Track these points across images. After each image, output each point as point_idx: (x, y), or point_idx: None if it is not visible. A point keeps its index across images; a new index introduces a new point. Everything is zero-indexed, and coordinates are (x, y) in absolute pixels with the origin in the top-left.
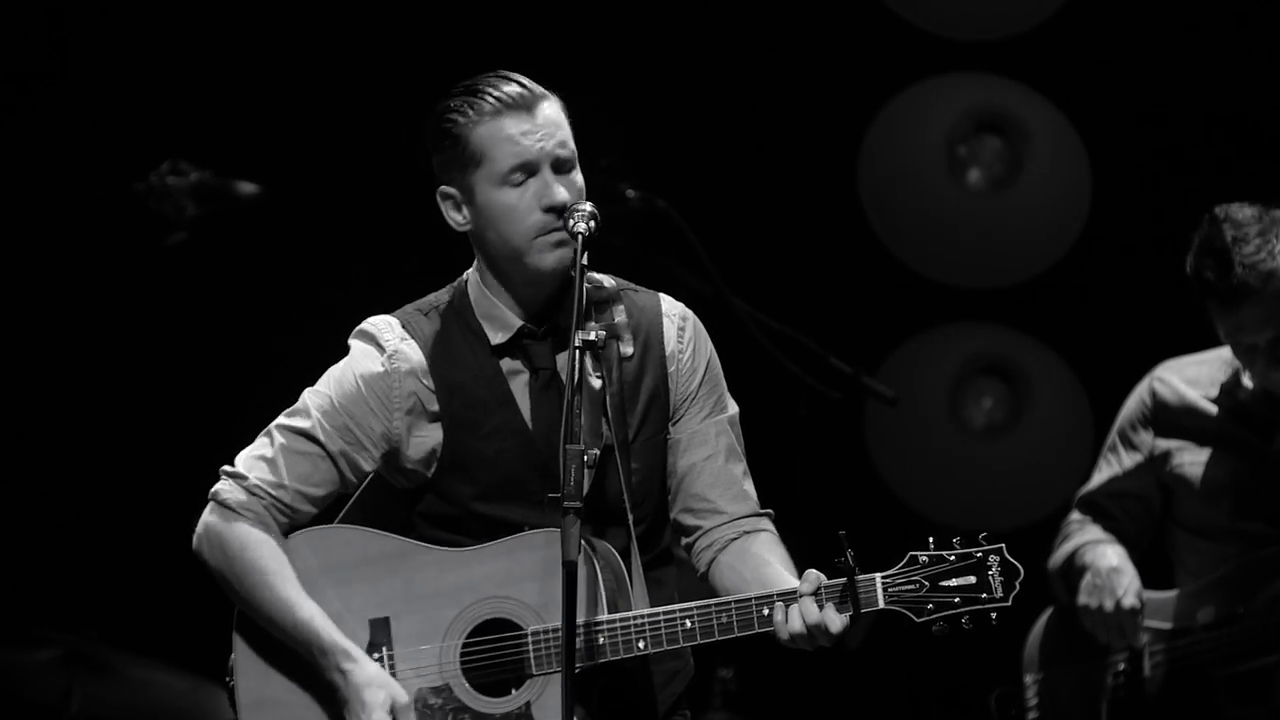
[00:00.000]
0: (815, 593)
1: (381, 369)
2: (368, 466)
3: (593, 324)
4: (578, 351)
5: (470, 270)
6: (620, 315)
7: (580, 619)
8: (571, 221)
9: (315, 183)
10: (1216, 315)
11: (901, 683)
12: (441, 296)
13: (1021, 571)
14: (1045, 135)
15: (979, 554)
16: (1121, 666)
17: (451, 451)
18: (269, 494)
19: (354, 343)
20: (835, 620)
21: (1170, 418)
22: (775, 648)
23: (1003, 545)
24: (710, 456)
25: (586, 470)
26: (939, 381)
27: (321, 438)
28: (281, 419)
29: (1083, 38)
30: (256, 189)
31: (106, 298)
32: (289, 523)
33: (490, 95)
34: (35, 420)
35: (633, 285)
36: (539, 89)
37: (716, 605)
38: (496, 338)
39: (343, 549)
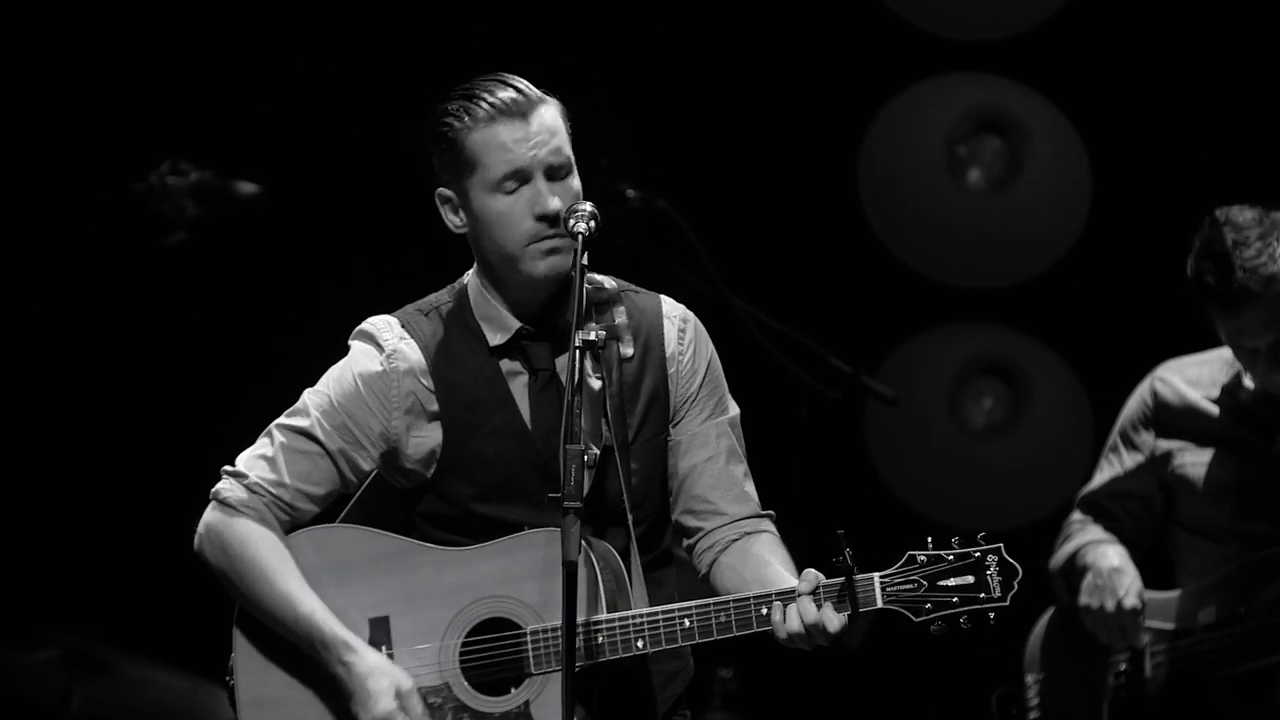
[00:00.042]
0: (813, 592)
1: (380, 368)
2: (367, 466)
3: (593, 324)
4: (578, 352)
5: (470, 271)
6: (621, 316)
7: (580, 618)
8: (571, 222)
9: (315, 183)
10: (1217, 319)
11: (901, 683)
12: (442, 297)
13: (1020, 571)
14: (1045, 135)
15: (977, 554)
16: (1123, 667)
17: (451, 452)
18: (269, 492)
19: (353, 343)
20: (833, 619)
21: (1172, 418)
22: (775, 648)
23: (1001, 545)
24: (711, 458)
25: (586, 470)
26: (939, 381)
27: (321, 436)
28: (281, 419)
29: (1083, 38)
30: (256, 189)
31: (107, 298)
32: (290, 521)
33: (485, 101)
34: (35, 420)
35: (633, 286)
36: (535, 94)
37: (715, 605)
38: (495, 339)
39: (343, 548)
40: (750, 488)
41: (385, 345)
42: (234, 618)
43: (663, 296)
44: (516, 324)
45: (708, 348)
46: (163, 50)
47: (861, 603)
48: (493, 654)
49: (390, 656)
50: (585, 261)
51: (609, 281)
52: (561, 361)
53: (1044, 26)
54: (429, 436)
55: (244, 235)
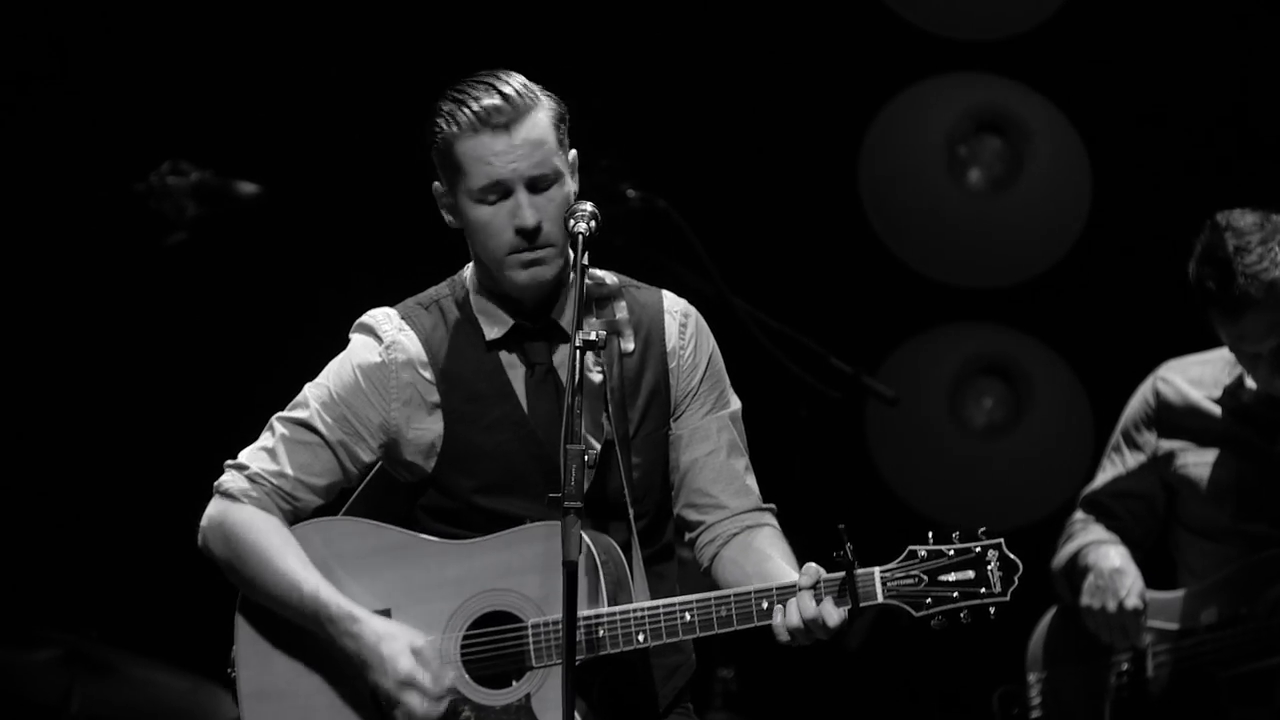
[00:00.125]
0: (814, 586)
1: (379, 359)
2: (367, 457)
3: (593, 319)
4: (578, 352)
5: (469, 264)
6: (621, 311)
7: (581, 612)
8: (571, 223)
9: (315, 183)
10: (1219, 324)
11: (901, 683)
12: (441, 290)
13: (1020, 567)
14: (1045, 135)
15: (978, 549)
16: (1125, 667)
17: (452, 444)
18: (270, 482)
19: (353, 335)
20: (833, 614)
21: (1174, 418)
22: (775, 648)
23: (1001, 540)
24: (712, 452)
25: (587, 470)
26: (939, 381)
27: (320, 428)
28: (282, 411)
29: (1083, 38)
30: (256, 189)
31: (107, 298)
32: (292, 511)
33: (471, 108)
34: (35, 420)
35: (634, 282)
36: (525, 101)
37: (716, 599)
38: (492, 333)
39: (345, 541)
40: (751, 481)
41: (384, 337)
42: (237, 606)
43: (664, 291)
44: (513, 319)
45: (709, 342)
46: (163, 50)
47: (862, 597)
48: (494, 647)
49: None
50: (585, 261)
51: (610, 277)
52: (559, 355)
53: (1044, 26)
54: (429, 428)
55: (244, 235)
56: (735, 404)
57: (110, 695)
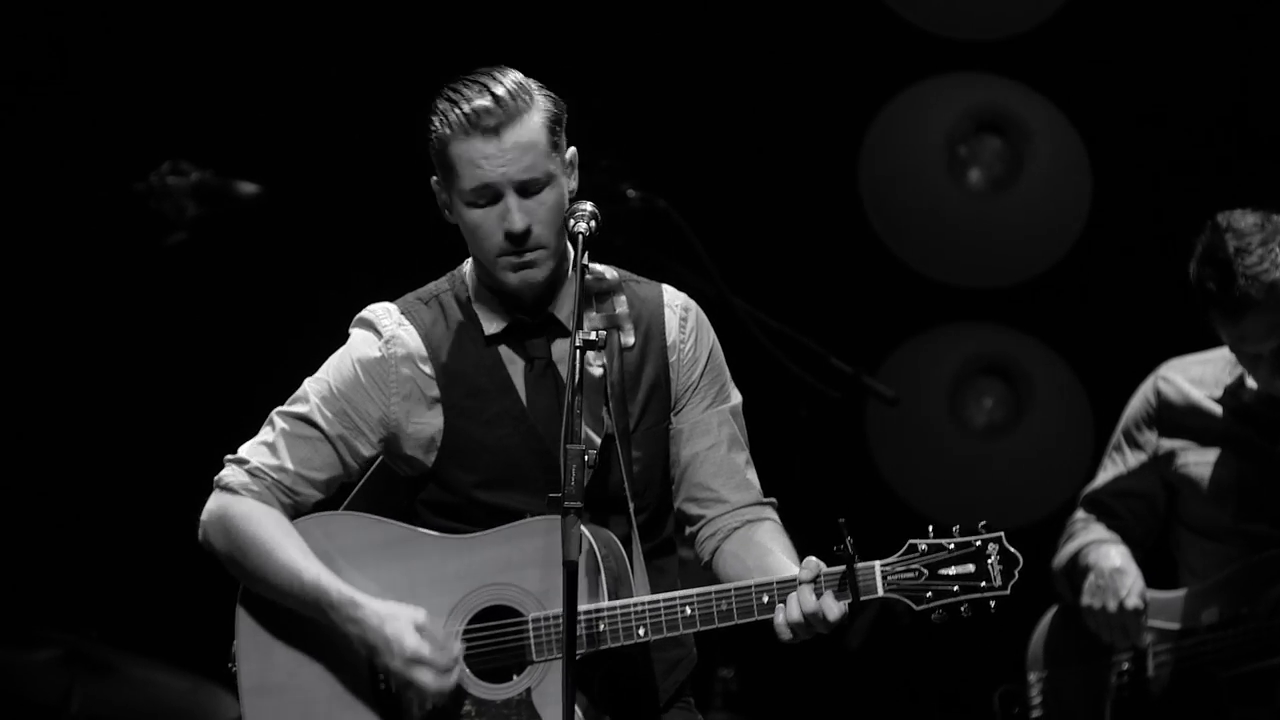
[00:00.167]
0: (814, 580)
1: (378, 354)
2: (367, 452)
3: (593, 314)
4: (578, 352)
5: (469, 259)
6: (621, 306)
7: (581, 606)
8: (571, 222)
9: (315, 183)
10: (1219, 325)
11: (901, 683)
12: (441, 285)
13: (1020, 560)
14: (1045, 135)
15: (978, 543)
16: (1125, 666)
17: (451, 439)
18: (270, 476)
19: (353, 330)
20: (833, 608)
21: (1175, 417)
22: (775, 648)
23: (1002, 534)
24: (713, 446)
25: (587, 470)
26: (939, 381)
27: (320, 422)
28: (282, 406)
29: (1083, 38)
30: (256, 189)
31: (107, 298)
32: (292, 505)
33: (462, 109)
34: (35, 420)
35: (635, 276)
36: (517, 103)
37: (717, 593)
38: (491, 328)
39: (345, 535)
40: (752, 475)
41: (384, 331)
42: (238, 599)
43: (664, 285)
44: (511, 314)
45: (709, 336)
46: (163, 50)
47: (862, 591)
48: (495, 641)
49: None
50: (586, 261)
51: (610, 271)
52: (558, 350)
53: (1044, 26)
54: (429, 423)
55: (244, 235)
56: (736, 398)
57: (110, 695)
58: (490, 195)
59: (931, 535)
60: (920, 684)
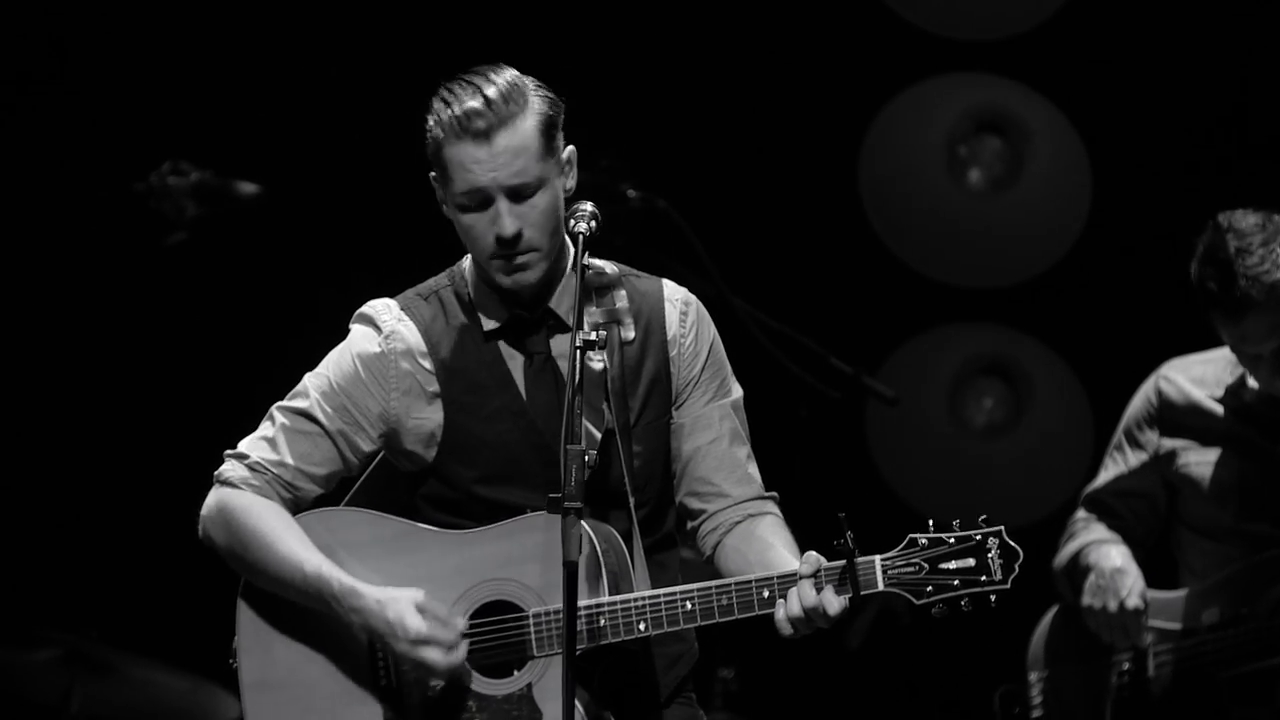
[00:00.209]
0: (814, 575)
1: (378, 349)
2: (367, 447)
3: (593, 308)
4: (578, 353)
5: (468, 255)
6: (621, 300)
7: (582, 601)
8: (571, 223)
9: (315, 183)
10: (1220, 325)
11: (901, 683)
12: (440, 280)
13: (1021, 554)
14: (1045, 135)
15: (978, 537)
16: (1126, 666)
17: (451, 434)
18: (270, 470)
19: (353, 325)
20: (834, 602)
21: (1176, 417)
22: (776, 648)
23: (1002, 528)
24: (714, 440)
25: (587, 470)
26: (939, 381)
27: (320, 417)
28: (282, 401)
29: (1083, 38)
30: (256, 189)
31: (107, 298)
32: (292, 500)
33: (455, 111)
34: (35, 420)
35: (635, 271)
36: (509, 107)
37: (717, 587)
38: (490, 323)
39: (346, 530)
40: (753, 469)
41: (383, 327)
42: (239, 593)
43: (664, 280)
44: (509, 310)
45: (709, 330)
46: (163, 50)
47: (863, 585)
48: (495, 636)
49: None
50: (586, 261)
51: (609, 266)
52: (557, 345)
53: (1044, 26)
54: (429, 418)
55: (244, 235)
56: (737, 392)
57: (110, 695)
58: (481, 199)
59: (931, 529)
60: (920, 684)
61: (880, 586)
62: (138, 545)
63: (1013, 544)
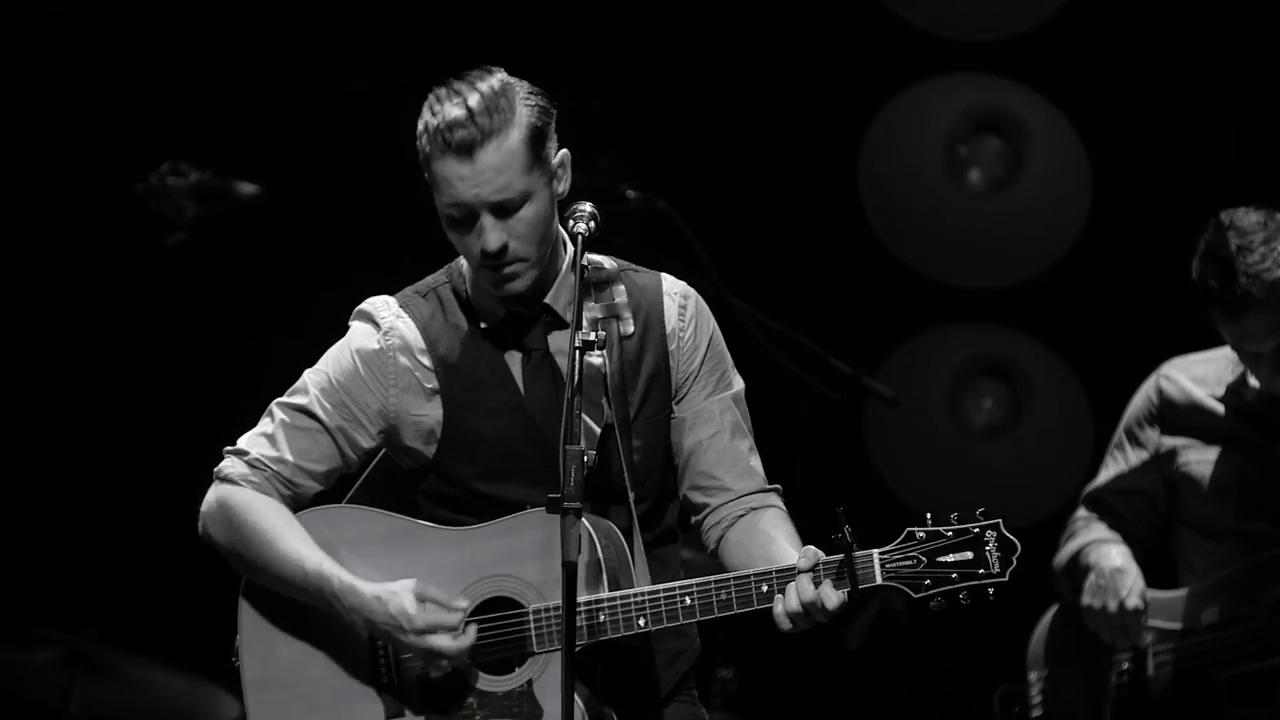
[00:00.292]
0: (812, 569)
1: (377, 346)
2: (366, 444)
3: (592, 303)
4: (577, 353)
5: None
6: (620, 295)
7: (581, 596)
8: (571, 223)
9: (315, 183)
10: (1221, 323)
11: (901, 683)
12: (439, 278)
13: (1019, 547)
14: (1045, 135)
15: (976, 530)
16: (1125, 666)
17: (451, 430)
18: (270, 467)
19: (352, 322)
20: (832, 596)
21: (1177, 416)
22: (775, 648)
23: (999, 521)
24: (716, 434)
25: (587, 469)
26: (939, 381)
27: (320, 414)
28: (281, 397)
29: (1083, 38)
30: (256, 189)
31: (107, 298)
32: (292, 497)
33: (438, 124)
34: (35, 420)
35: (633, 266)
36: (493, 120)
37: (716, 582)
38: (487, 320)
39: (347, 528)
40: (756, 462)
41: (382, 323)
42: (240, 591)
43: (663, 274)
44: (507, 306)
45: (709, 323)
46: (163, 50)
47: (861, 579)
48: (496, 633)
49: None
50: (585, 262)
51: (608, 261)
52: (555, 341)
53: (1044, 26)
54: (428, 414)
55: (244, 235)
56: (738, 384)
57: (110, 695)
58: (466, 213)
59: (930, 523)
60: (920, 684)
61: (878, 580)
62: (138, 545)
63: (1010, 537)
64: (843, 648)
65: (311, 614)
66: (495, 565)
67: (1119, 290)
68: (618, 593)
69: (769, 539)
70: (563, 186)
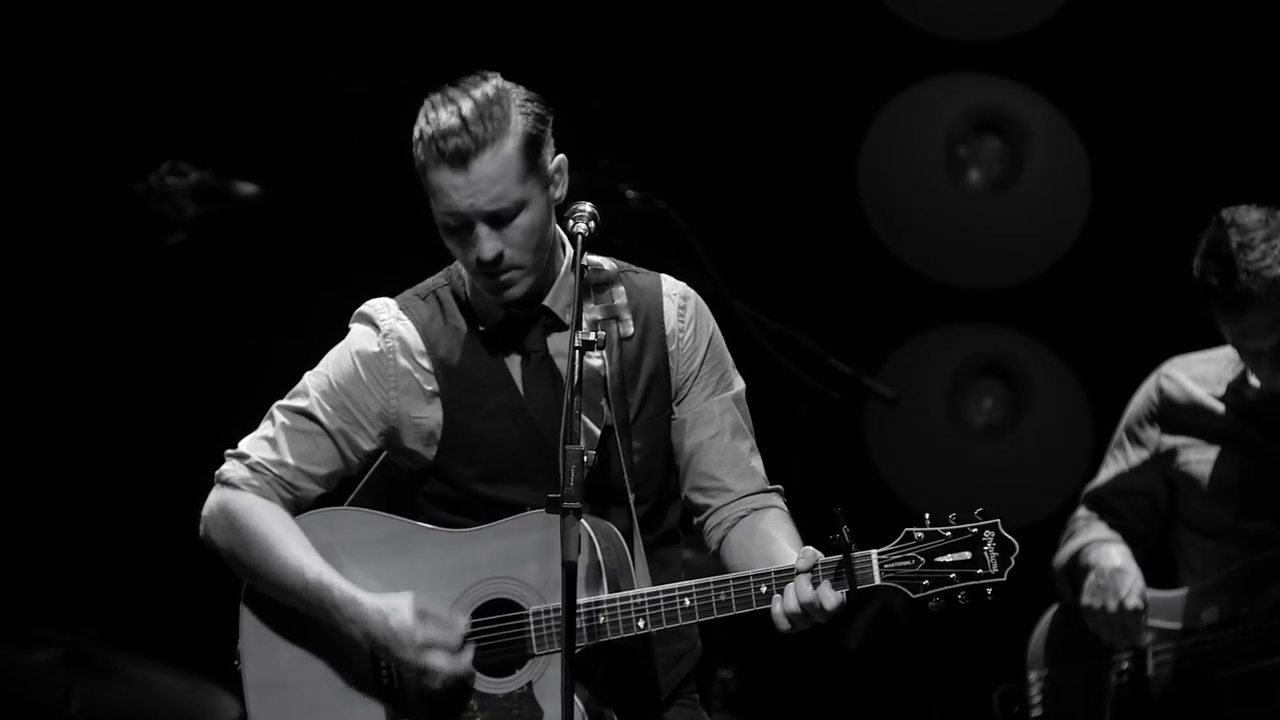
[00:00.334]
0: (811, 570)
1: (377, 348)
2: (367, 446)
3: (591, 304)
4: (577, 353)
5: None
6: (620, 297)
7: (581, 598)
8: (570, 223)
9: (315, 183)
10: (1221, 320)
11: (901, 683)
12: (438, 280)
13: (1017, 547)
14: (1045, 135)
15: (974, 530)
16: (1125, 666)
17: (451, 432)
18: (271, 471)
19: (352, 325)
20: (830, 597)
21: (1177, 415)
22: (775, 648)
23: (998, 520)
24: (716, 435)
25: (586, 470)
26: (939, 381)
27: (320, 417)
28: (282, 400)
29: (1083, 38)
30: (256, 189)
31: (106, 298)
32: (293, 500)
33: (433, 133)
34: (35, 420)
35: (633, 267)
36: (487, 129)
37: (715, 584)
38: (487, 322)
39: (348, 530)
40: (757, 463)
41: (382, 326)
42: (242, 596)
43: (663, 275)
44: (506, 308)
45: (709, 324)
46: (162, 50)
47: (859, 580)
48: (496, 635)
49: None
50: (585, 262)
51: (608, 263)
52: (554, 342)
53: (1044, 26)
54: (429, 416)
55: (244, 235)
56: (739, 385)
57: (110, 695)
58: (461, 221)
59: (928, 523)
60: (920, 684)
61: (877, 580)
62: (138, 545)
63: (1009, 537)
64: (842, 648)
65: (312, 619)
66: (495, 567)
67: (1119, 290)
68: (617, 594)
69: (769, 540)
70: (560, 192)
